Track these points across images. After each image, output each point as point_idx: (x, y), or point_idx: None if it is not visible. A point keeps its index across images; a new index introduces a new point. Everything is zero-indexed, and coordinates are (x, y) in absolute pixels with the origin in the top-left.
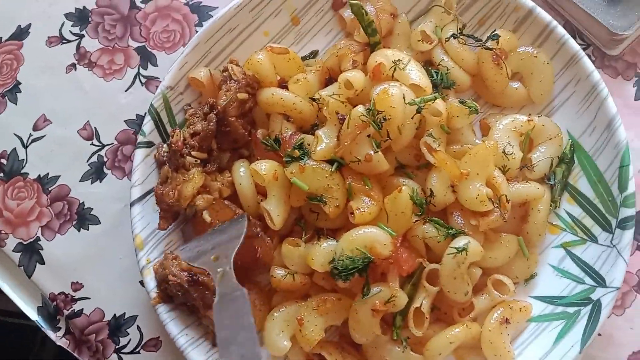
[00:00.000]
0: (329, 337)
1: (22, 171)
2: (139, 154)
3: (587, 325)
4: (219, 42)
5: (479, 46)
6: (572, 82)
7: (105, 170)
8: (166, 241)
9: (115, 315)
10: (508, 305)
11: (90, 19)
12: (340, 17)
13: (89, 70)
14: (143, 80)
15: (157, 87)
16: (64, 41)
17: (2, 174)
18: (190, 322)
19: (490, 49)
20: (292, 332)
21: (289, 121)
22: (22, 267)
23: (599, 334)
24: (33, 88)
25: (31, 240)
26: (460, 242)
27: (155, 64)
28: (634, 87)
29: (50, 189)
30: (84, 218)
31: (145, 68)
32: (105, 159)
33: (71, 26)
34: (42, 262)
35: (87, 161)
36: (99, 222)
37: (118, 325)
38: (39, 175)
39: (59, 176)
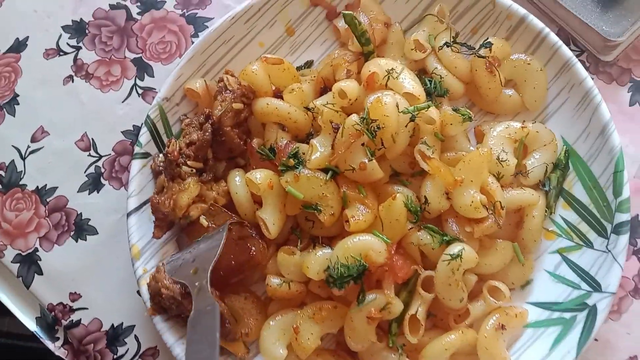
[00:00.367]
0: (325, 345)
1: (21, 183)
2: (136, 164)
3: (583, 330)
4: (214, 53)
5: (472, 54)
6: (565, 88)
7: (102, 181)
8: (162, 251)
9: (113, 325)
10: (504, 311)
11: (87, 31)
12: (334, 27)
13: (86, 82)
14: (140, 91)
15: (153, 97)
16: (61, 53)
17: (0, 186)
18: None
19: (484, 57)
20: (288, 340)
21: (284, 130)
22: (21, 278)
23: (596, 339)
24: (31, 100)
25: (29, 251)
26: (454, 248)
27: (151, 75)
28: (628, 92)
29: (48, 200)
30: (81, 229)
31: (142, 79)
32: (102, 170)
33: (68, 38)
34: (41, 273)
35: (85, 172)
36: (96, 233)
37: (116, 335)
38: (37, 186)
39: (57, 187)
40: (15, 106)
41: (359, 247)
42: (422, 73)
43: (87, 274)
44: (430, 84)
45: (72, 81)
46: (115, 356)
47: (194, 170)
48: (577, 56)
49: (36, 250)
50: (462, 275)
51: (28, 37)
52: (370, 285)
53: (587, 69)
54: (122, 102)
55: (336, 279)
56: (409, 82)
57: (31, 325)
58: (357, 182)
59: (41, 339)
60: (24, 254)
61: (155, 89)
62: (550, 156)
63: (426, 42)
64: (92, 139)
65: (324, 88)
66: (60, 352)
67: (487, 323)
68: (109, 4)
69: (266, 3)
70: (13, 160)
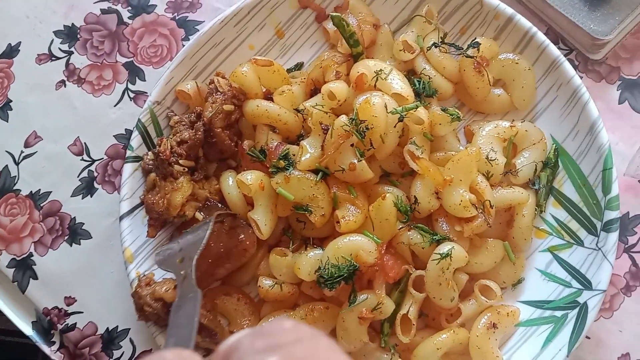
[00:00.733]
0: None
1: (14, 188)
2: (128, 168)
3: (575, 328)
4: (204, 56)
5: (460, 54)
6: (553, 87)
7: (95, 185)
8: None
9: (108, 328)
10: (495, 310)
11: (78, 36)
12: (324, 29)
13: (78, 87)
14: (131, 95)
15: (145, 101)
16: (53, 58)
17: None
18: None
19: (472, 57)
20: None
21: (275, 132)
22: (16, 283)
23: (588, 337)
24: (24, 105)
25: (24, 256)
26: (444, 248)
27: (143, 79)
28: (617, 90)
29: (42, 204)
30: (75, 233)
31: (134, 83)
32: (95, 174)
33: (60, 43)
34: (36, 278)
35: (78, 176)
36: (90, 237)
37: (111, 339)
38: (31, 191)
39: (51, 192)
40: (8, 112)
41: (349, 248)
42: (411, 74)
43: (82, 278)
44: (419, 84)
45: (65, 86)
46: (110, 359)
47: (186, 169)
48: (566, 55)
49: (31, 255)
50: (452, 275)
51: (20, 42)
52: (362, 285)
53: (576, 67)
54: (114, 106)
55: (327, 279)
56: (398, 83)
57: (27, 329)
58: (347, 183)
59: (37, 344)
60: (18, 258)
61: (146, 93)
62: (539, 155)
63: (414, 43)
64: (85, 144)
65: (314, 89)
66: (56, 356)
67: (478, 322)
68: (100, 9)
69: (255, 6)
70: (7, 166)
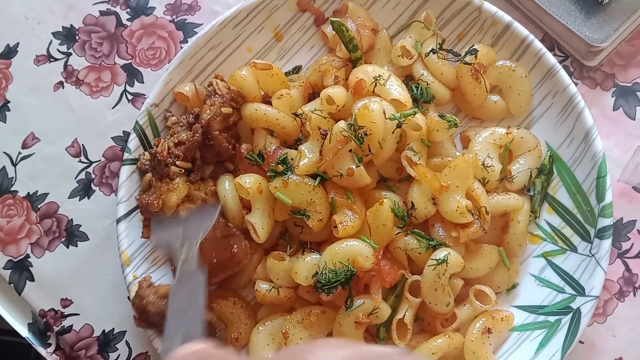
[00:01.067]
0: None
1: (12, 189)
2: (125, 170)
3: (568, 333)
4: (202, 58)
5: (458, 61)
6: (549, 94)
7: (93, 187)
8: (152, 257)
9: (104, 330)
10: (490, 315)
11: (77, 37)
12: (322, 32)
13: (76, 88)
14: (130, 97)
15: (143, 103)
16: (51, 59)
17: None
18: None
19: (469, 64)
20: (277, 345)
21: (273, 136)
22: (12, 284)
23: (581, 342)
24: (22, 106)
25: (21, 257)
26: (440, 253)
27: (141, 81)
28: (612, 97)
29: (39, 206)
30: (72, 235)
31: (132, 85)
32: (93, 176)
33: (59, 44)
34: (32, 279)
35: (75, 178)
36: (87, 239)
37: (107, 341)
38: (28, 192)
39: (48, 193)
40: (6, 112)
41: (346, 253)
42: (408, 79)
43: (78, 280)
44: (417, 90)
45: (63, 87)
46: None
47: (183, 170)
48: (561, 61)
49: (27, 256)
50: (448, 280)
51: (18, 43)
52: (358, 290)
53: (571, 74)
54: (112, 108)
55: (324, 284)
56: (396, 89)
57: (23, 331)
58: (345, 188)
59: (33, 345)
60: (15, 260)
61: (145, 95)
62: (534, 161)
63: (413, 49)
64: (83, 145)
65: (312, 93)
66: (52, 358)
67: (473, 327)
68: (99, 11)
69: (254, 8)
70: (4, 167)
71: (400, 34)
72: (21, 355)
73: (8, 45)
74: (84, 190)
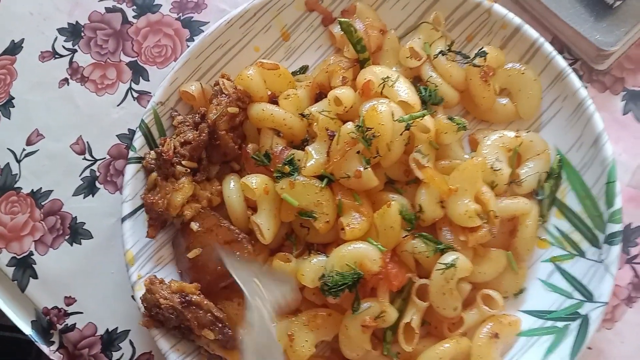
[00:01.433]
0: (320, 353)
1: (16, 186)
2: (130, 169)
3: (576, 340)
4: (209, 57)
5: (467, 63)
6: (559, 98)
7: (97, 184)
8: (157, 256)
9: (108, 329)
10: (497, 319)
11: (82, 34)
12: (330, 32)
13: (81, 85)
14: (135, 95)
15: (148, 101)
16: (56, 56)
17: None
18: (192, 350)
19: (478, 66)
20: (283, 347)
21: (280, 136)
22: (16, 282)
23: (589, 348)
24: (26, 103)
25: (24, 254)
26: (448, 257)
27: (147, 79)
28: (622, 101)
29: (43, 203)
30: (76, 232)
31: (137, 83)
32: (97, 174)
33: (64, 41)
34: (36, 277)
35: (80, 176)
36: (91, 237)
37: (111, 340)
38: (32, 189)
39: (52, 191)
40: (11, 109)
41: (354, 255)
42: (417, 81)
43: (82, 278)
44: (425, 92)
45: (68, 84)
46: None
47: (189, 170)
48: (570, 65)
49: (31, 253)
50: (456, 284)
51: (24, 39)
52: (365, 293)
53: (580, 77)
54: (118, 105)
55: (331, 287)
56: (404, 91)
57: (26, 328)
58: (352, 190)
59: (36, 343)
60: (19, 257)
61: (150, 93)
62: (543, 165)
63: (421, 50)
64: (87, 143)
65: (319, 94)
66: (55, 356)
67: (480, 331)
68: (105, 7)
69: (262, 7)
70: (8, 163)
71: (408, 35)
72: (22, 351)
73: (13, 41)
74: (88, 187)
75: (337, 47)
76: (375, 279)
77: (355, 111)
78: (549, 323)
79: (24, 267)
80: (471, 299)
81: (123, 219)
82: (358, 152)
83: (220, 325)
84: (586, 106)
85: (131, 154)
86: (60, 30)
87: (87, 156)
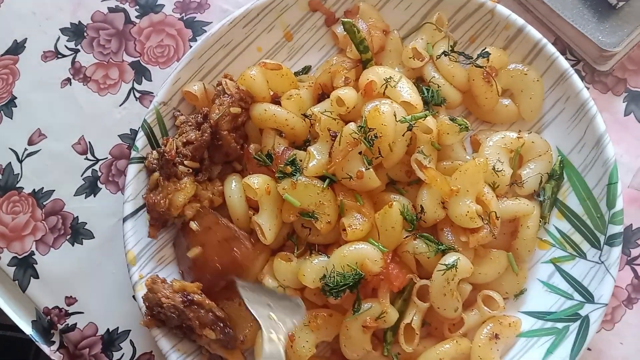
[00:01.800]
0: (320, 353)
1: (17, 185)
2: (132, 169)
3: (576, 341)
4: (212, 57)
5: (469, 63)
6: (561, 99)
7: (99, 184)
8: (158, 257)
9: (108, 329)
10: (498, 320)
11: (85, 34)
12: (333, 33)
13: (83, 85)
14: (137, 95)
15: (151, 101)
16: (59, 56)
17: None
18: (193, 350)
19: (481, 67)
20: (283, 348)
21: (282, 136)
22: (17, 281)
23: (589, 349)
24: (28, 102)
25: (25, 254)
26: (449, 258)
27: (149, 79)
28: (623, 102)
29: (44, 203)
30: (78, 232)
31: (140, 83)
32: (99, 174)
33: (66, 41)
34: (37, 277)
35: (82, 175)
36: (92, 237)
37: (111, 340)
38: (34, 189)
39: (54, 190)
40: (13, 108)
41: (355, 256)
42: (419, 81)
43: (83, 278)
44: (428, 92)
45: (70, 84)
46: None
47: (190, 170)
48: (573, 65)
49: (32, 253)
50: (457, 285)
51: (26, 39)
52: (366, 293)
53: (582, 78)
54: (120, 105)
55: (332, 287)
56: (407, 91)
57: (27, 328)
58: (354, 191)
59: (37, 343)
60: (20, 257)
61: (152, 93)
62: (545, 166)
63: (424, 51)
64: (89, 143)
65: (322, 94)
66: (55, 356)
67: (481, 332)
68: (108, 7)
69: (265, 8)
70: (10, 163)
71: (411, 36)
72: (21, 350)
73: (15, 40)
74: (90, 187)
75: (340, 47)
76: (376, 280)
77: (358, 112)
78: (549, 324)
79: (25, 267)
80: (472, 300)
81: (124, 219)
82: (360, 153)
83: (221, 325)
84: (588, 107)
85: (133, 153)
86: (63, 30)
87: (89, 156)
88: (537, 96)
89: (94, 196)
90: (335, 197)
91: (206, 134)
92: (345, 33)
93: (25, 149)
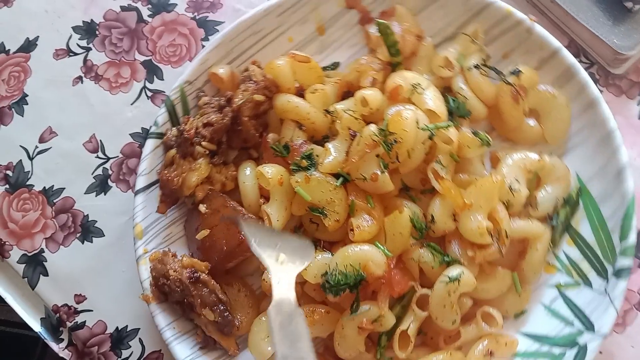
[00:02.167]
0: (313, 348)
1: (28, 183)
2: (149, 144)
3: None
4: (242, 42)
5: (500, 80)
6: (587, 126)
7: (110, 183)
8: (165, 233)
9: (117, 327)
10: (494, 338)
11: (97, 32)
12: (366, 32)
13: (95, 84)
14: (149, 94)
15: (162, 100)
16: (71, 54)
17: (7, 186)
18: (188, 330)
19: (511, 84)
20: None
21: (301, 129)
22: (26, 279)
23: (600, 352)
24: (40, 100)
25: (35, 252)
26: (454, 271)
27: (161, 78)
28: (637, 105)
29: (55, 201)
30: (87, 230)
31: (151, 82)
32: (110, 172)
33: (78, 39)
34: (46, 274)
35: (92, 174)
36: (102, 235)
37: (120, 338)
38: (44, 187)
39: (64, 188)
40: (24, 106)
41: (359, 257)
42: (446, 91)
43: (93, 276)
44: (454, 103)
45: (82, 82)
46: (119, 359)
47: (207, 152)
48: (587, 68)
49: (42, 251)
50: (457, 298)
51: (38, 37)
52: (366, 295)
53: (596, 81)
54: (131, 104)
55: (332, 285)
56: (433, 100)
57: (36, 325)
58: (366, 192)
59: (45, 340)
60: (29, 254)
61: (164, 92)
62: (562, 191)
63: (455, 61)
64: (100, 141)
65: (347, 92)
66: (64, 353)
67: (476, 348)
68: (120, 6)
69: None
70: (21, 161)
71: (444, 44)
72: (27, 348)
73: (28, 38)
74: (100, 186)
75: (371, 47)
76: (377, 283)
77: (381, 114)
78: (546, 348)
79: (35, 265)
80: (471, 314)
81: (136, 193)
82: (377, 156)
83: (222, 307)
84: (613, 138)
85: (153, 129)
86: (75, 28)
87: (100, 154)
88: (564, 121)
89: (105, 194)
90: (347, 197)
91: (227, 118)
92: (378, 34)
93: (36, 147)
